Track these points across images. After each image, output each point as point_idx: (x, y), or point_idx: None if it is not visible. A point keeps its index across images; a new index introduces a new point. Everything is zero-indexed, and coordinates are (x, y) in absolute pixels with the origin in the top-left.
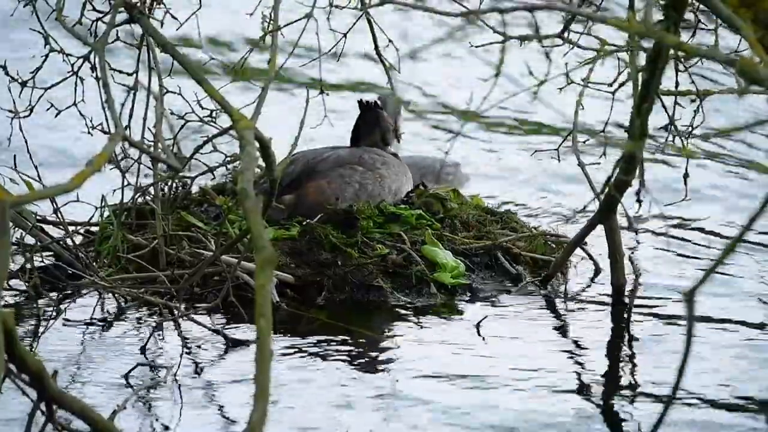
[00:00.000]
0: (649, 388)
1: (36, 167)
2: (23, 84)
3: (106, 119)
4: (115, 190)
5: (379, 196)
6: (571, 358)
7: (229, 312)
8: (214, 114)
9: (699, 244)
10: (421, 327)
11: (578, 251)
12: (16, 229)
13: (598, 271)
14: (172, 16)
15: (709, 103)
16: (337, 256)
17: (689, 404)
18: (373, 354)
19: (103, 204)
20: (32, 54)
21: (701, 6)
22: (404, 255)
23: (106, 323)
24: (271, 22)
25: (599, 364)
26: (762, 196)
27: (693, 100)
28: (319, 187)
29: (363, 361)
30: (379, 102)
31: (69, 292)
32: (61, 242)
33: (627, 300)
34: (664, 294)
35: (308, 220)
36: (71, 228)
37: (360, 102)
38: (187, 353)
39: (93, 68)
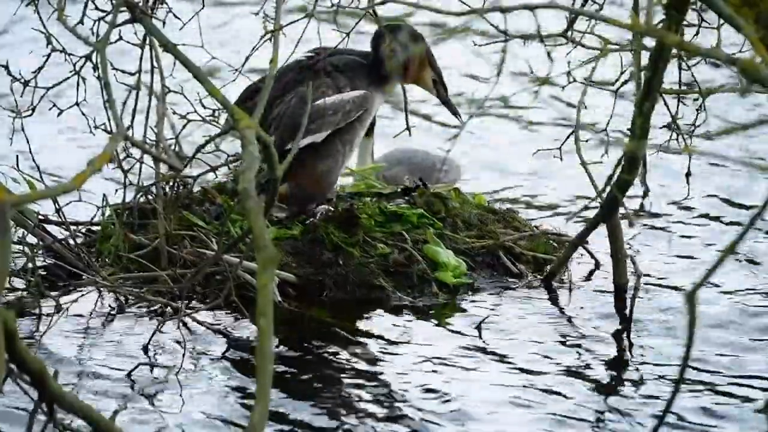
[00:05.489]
0: (651, 387)
1: (38, 167)
2: (25, 84)
3: (108, 119)
4: (117, 190)
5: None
6: (573, 357)
7: (231, 311)
8: (216, 113)
9: (701, 244)
10: (423, 326)
11: (580, 250)
12: (18, 228)
13: (599, 270)
14: (175, 16)
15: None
16: (338, 255)
17: (692, 404)
18: (375, 353)
19: (104, 203)
20: (32, 51)
21: (704, 5)
22: (406, 254)
23: (108, 323)
24: (273, 21)
25: (601, 363)
26: (764, 195)
27: (695, 99)
28: (311, 174)
29: (364, 360)
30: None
31: (71, 291)
32: (62, 241)
33: (629, 299)
34: (666, 294)
35: (311, 219)
36: (73, 227)
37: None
38: (188, 353)
39: (95, 68)
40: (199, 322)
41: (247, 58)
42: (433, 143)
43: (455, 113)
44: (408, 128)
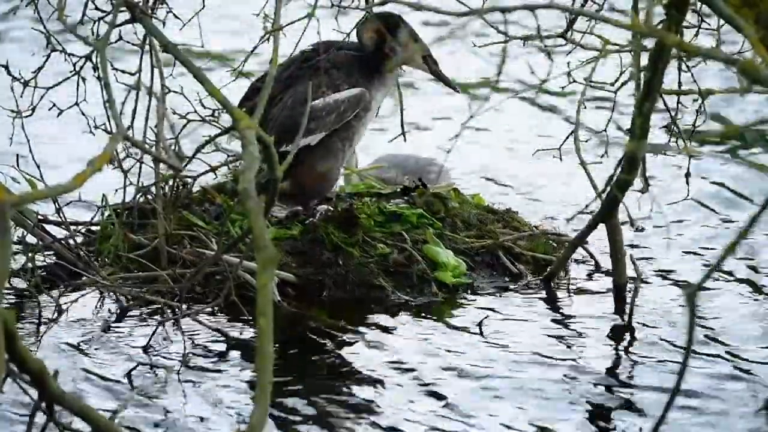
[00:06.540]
0: (650, 387)
1: (38, 166)
2: (25, 84)
3: (108, 119)
4: (117, 190)
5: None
6: (573, 357)
7: (231, 311)
8: (215, 114)
9: (701, 243)
10: (423, 326)
11: (579, 250)
12: (18, 228)
13: (599, 270)
14: (175, 16)
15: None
16: (338, 255)
17: (691, 405)
18: (375, 353)
19: (104, 203)
20: (32, 52)
21: (704, 6)
22: (406, 254)
23: (108, 323)
24: (273, 21)
25: (601, 363)
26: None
27: (695, 100)
28: (310, 172)
29: (364, 360)
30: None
31: (70, 291)
32: (62, 241)
33: (628, 299)
34: (666, 293)
35: (310, 219)
36: (73, 227)
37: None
38: (188, 353)
39: (95, 68)
40: (199, 322)
41: (246, 58)
42: (429, 144)
43: (450, 85)
44: (403, 132)
